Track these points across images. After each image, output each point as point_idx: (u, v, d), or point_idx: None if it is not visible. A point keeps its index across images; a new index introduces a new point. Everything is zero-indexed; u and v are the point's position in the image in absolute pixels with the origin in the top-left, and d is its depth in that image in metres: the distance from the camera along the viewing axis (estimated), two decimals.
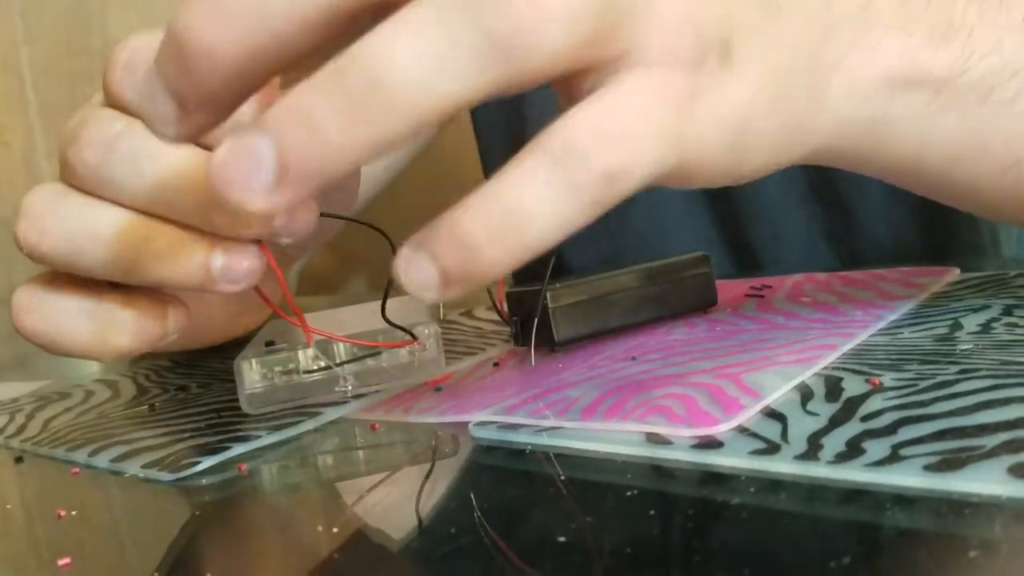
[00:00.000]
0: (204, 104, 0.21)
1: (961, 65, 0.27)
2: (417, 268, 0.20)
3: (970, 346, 0.29)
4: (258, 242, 0.26)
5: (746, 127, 0.24)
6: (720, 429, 0.24)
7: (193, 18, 0.19)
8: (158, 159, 0.25)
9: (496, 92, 0.19)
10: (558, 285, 0.36)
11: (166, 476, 0.29)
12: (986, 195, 0.31)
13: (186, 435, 0.32)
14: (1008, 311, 0.32)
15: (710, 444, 0.24)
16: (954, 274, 0.40)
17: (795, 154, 0.27)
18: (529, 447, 0.26)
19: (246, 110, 0.23)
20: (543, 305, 0.36)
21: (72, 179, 0.26)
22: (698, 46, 0.22)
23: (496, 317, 0.40)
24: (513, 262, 0.20)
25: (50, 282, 0.27)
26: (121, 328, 0.27)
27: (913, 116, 0.27)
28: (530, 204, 0.19)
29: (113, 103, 0.27)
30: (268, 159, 0.19)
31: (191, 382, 0.42)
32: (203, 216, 0.25)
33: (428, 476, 0.26)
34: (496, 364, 0.37)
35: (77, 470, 0.31)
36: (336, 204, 0.33)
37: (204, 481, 0.28)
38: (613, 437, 0.25)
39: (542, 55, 0.19)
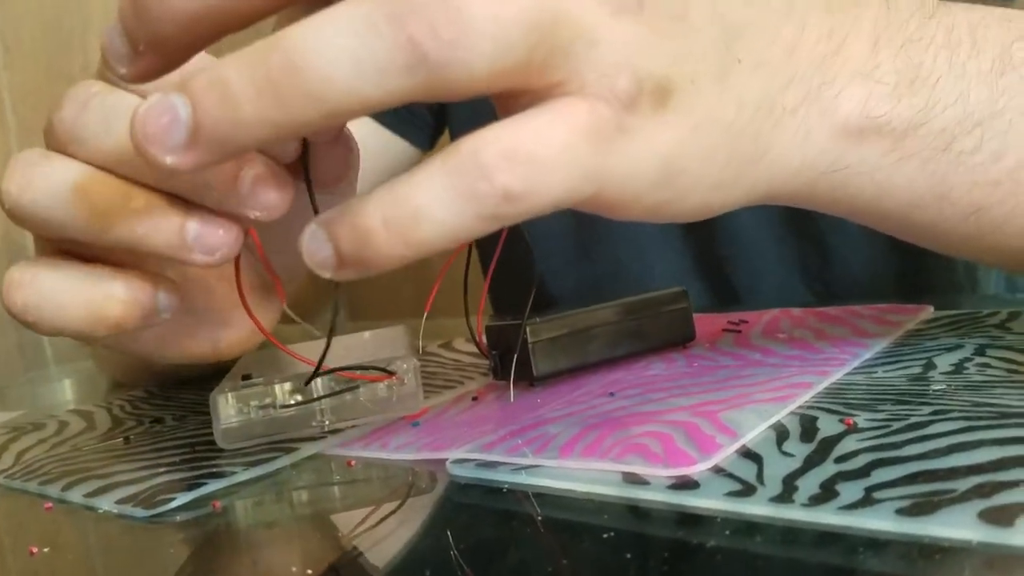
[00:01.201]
0: (153, 48, 0.22)
1: (923, 116, 0.27)
2: (317, 245, 0.22)
3: (943, 387, 0.29)
4: (248, 230, 0.26)
5: (675, 169, 0.24)
6: (697, 469, 0.24)
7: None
8: (126, 117, 0.26)
9: (415, 99, 0.20)
10: (538, 320, 0.36)
11: (140, 512, 0.28)
12: (947, 239, 0.31)
13: (161, 470, 0.32)
14: (981, 351, 0.33)
15: (687, 485, 0.24)
16: (928, 312, 0.40)
17: (740, 197, 0.27)
18: (507, 486, 0.26)
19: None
20: (523, 340, 0.36)
21: (53, 141, 0.26)
22: (633, 88, 0.22)
23: (475, 349, 0.40)
24: (404, 256, 0.21)
25: (41, 258, 0.27)
26: (113, 298, 0.27)
27: (871, 166, 0.28)
28: (426, 204, 0.21)
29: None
30: (183, 119, 0.20)
31: (166, 414, 0.42)
32: (168, 180, 0.25)
33: (404, 514, 0.26)
34: (475, 398, 0.37)
35: (50, 505, 0.31)
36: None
37: (179, 518, 0.28)
38: (591, 476, 0.25)
39: (462, 75, 0.20)
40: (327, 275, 0.22)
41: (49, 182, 0.26)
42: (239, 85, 0.20)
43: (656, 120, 0.23)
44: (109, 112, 0.26)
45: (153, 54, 0.22)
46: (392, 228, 0.21)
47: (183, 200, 0.26)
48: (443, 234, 0.21)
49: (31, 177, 0.26)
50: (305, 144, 0.27)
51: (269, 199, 0.26)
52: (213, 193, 0.25)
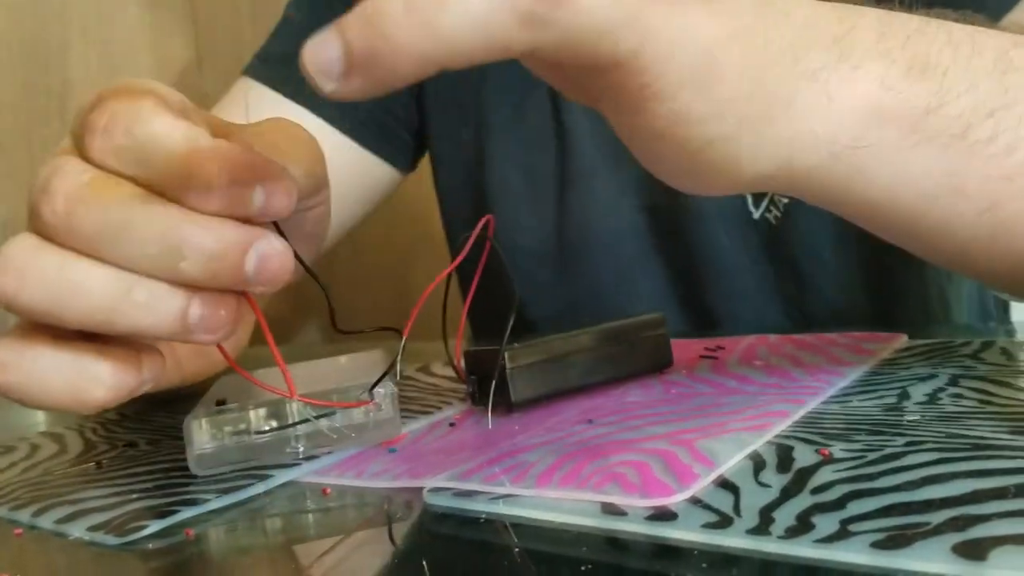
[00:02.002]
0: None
1: (939, 99, 0.27)
2: (323, 45, 0.21)
3: (917, 417, 0.29)
4: (241, 293, 0.26)
5: (711, 65, 0.24)
6: (674, 500, 0.24)
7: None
8: (127, 207, 0.25)
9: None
10: (516, 345, 0.36)
11: (112, 540, 0.28)
12: (959, 239, 0.30)
13: (133, 496, 0.32)
14: (954, 381, 0.33)
15: (664, 516, 0.24)
16: (902, 340, 0.41)
17: (764, 159, 0.27)
18: (484, 515, 0.26)
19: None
20: (501, 365, 0.36)
21: (43, 229, 0.26)
22: None
23: (454, 373, 0.40)
24: (424, 53, 0.21)
25: (23, 336, 0.27)
26: (98, 381, 0.26)
27: (890, 149, 0.27)
28: None
29: (85, 159, 0.26)
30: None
31: (140, 438, 0.41)
32: (175, 268, 0.25)
33: (379, 544, 0.26)
34: (452, 424, 0.36)
35: (20, 531, 0.30)
36: (304, 248, 0.33)
37: (151, 546, 0.28)
38: (569, 506, 0.25)
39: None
40: (330, 86, 0.21)
41: (46, 279, 0.25)
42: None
43: (702, 6, 0.23)
44: (107, 203, 0.25)
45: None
46: (414, 10, 0.20)
47: (184, 285, 0.25)
48: (473, 26, 0.20)
49: (25, 275, 0.25)
50: None
51: (274, 276, 0.25)
52: (219, 280, 0.25)
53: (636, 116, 0.25)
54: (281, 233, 0.27)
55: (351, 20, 0.21)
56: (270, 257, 0.25)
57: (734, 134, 0.26)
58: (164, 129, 0.25)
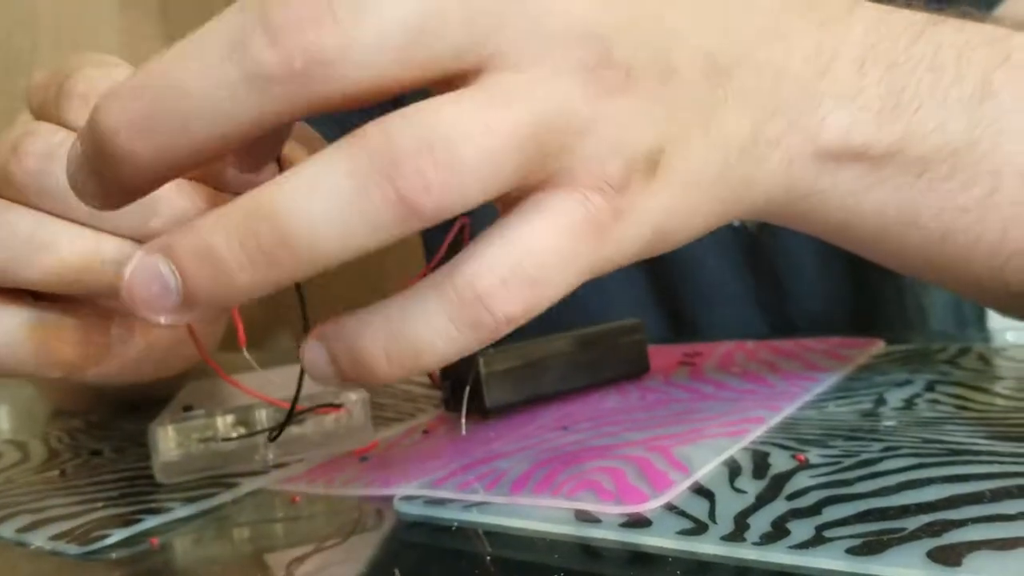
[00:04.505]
0: (122, 191, 0.21)
1: (902, 143, 0.27)
2: (318, 362, 0.21)
3: (893, 423, 0.29)
4: None
5: (667, 231, 0.24)
6: (649, 506, 0.24)
7: (113, 121, 0.19)
8: None
9: (407, 235, 0.20)
10: (491, 350, 0.36)
11: (74, 549, 0.27)
12: (914, 263, 0.31)
13: (97, 505, 0.31)
14: (930, 387, 0.33)
15: (639, 522, 0.23)
16: (879, 346, 0.41)
17: (723, 223, 0.27)
18: (456, 523, 0.26)
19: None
20: (475, 370, 0.35)
21: (10, 191, 0.25)
22: (625, 171, 0.22)
23: (427, 380, 0.39)
24: (405, 376, 0.21)
25: None
26: (64, 340, 0.26)
27: (845, 190, 0.27)
28: (429, 339, 0.20)
29: (57, 124, 0.26)
30: (173, 289, 0.20)
31: (105, 446, 0.40)
32: (145, 227, 0.25)
33: (350, 553, 0.25)
34: (426, 431, 0.36)
35: None
36: None
37: (114, 555, 0.27)
38: (542, 514, 0.25)
39: (455, 210, 0.19)
40: (332, 387, 0.23)
41: (14, 237, 0.25)
42: (229, 254, 0.19)
43: (647, 191, 0.23)
44: None
45: (123, 195, 0.21)
46: (395, 360, 0.21)
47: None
48: (444, 360, 0.21)
49: None
50: None
51: None
52: None
53: None
54: None
55: (343, 356, 0.21)
56: None
57: (691, 237, 0.26)
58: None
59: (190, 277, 0.19)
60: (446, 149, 0.19)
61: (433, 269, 0.35)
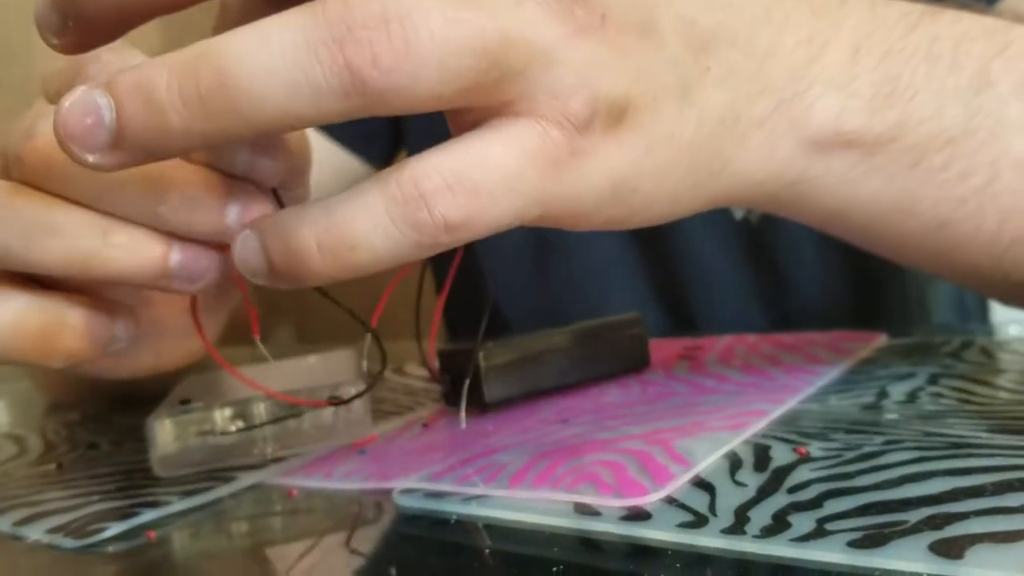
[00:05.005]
0: (81, 25, 0.21)
1: (896, 131, 0.27)
2: (249, 253, 0.21)
3: (896, 416, 0.29)
4: (224, 248, 0.25)
5: (627, 189, 0.24)
6: (649, 499, 0.24)
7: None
8: None
9: (351, 118, 0.20)
10: (491, 344, 0.36)
11: (71, 543, 0.27)
12: (910, 253, 0.31)
13: (94, 498, 0.31)
14: (933, 380, 0.33)
15: (638, 516, 0.23)
16: (881, 340, 0.40)
17: (699, 206, 0.27)
18: (455, 516, 0.26)
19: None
20: (475, 364, 0.35)
21: (23, 173, 0.25)
22: (589, 110, 0.22)
23: (427, 374, 0.39)
24: (336, 276, 0.21)
25: None
26: (68, 327, 0.26)
27: (837, 178, 0.27)
28: (363, 231, 0.20)
29: None
30: (106, 123, 0.20)
31: (102, 439, 0.40)
32: (153, 212, 0.25)
33: (348, 546, 0.25)
34: (425, 425, 0.36)
35: None
36: None
37: (111, 549, 0.27)
38: (542, 507, 0.25)
39: (402, 101, 0.19)
40: (259, 282, 0.22)
41: (22, 221, 0.24)
42: (166, 94, 0.19)
43: (609, 140, 0.22)
44: None
45: (82, 30, 0.21)
46: (327, 252, 0.20)
47: (164, 231, 0.25)
48: (379, 260, 0.21)
49: (1, 217, 0.25)
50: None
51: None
52: (198, 228, 0.24)
53: None
54: (279, 200, 0.26)
55: (275, 246, 0.21)
56: (250, 207, 0.24)
57: (661, 210, 0.25)
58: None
59: (124, 111, 0.19)
60: (401, 27, 0.19)
61: (433, 266, 0.35)
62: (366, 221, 0.20)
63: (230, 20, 0.24)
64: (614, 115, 0.22)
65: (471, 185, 0.20)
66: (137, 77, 0.19)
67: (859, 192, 0.28)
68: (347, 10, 0.19)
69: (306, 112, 0.19)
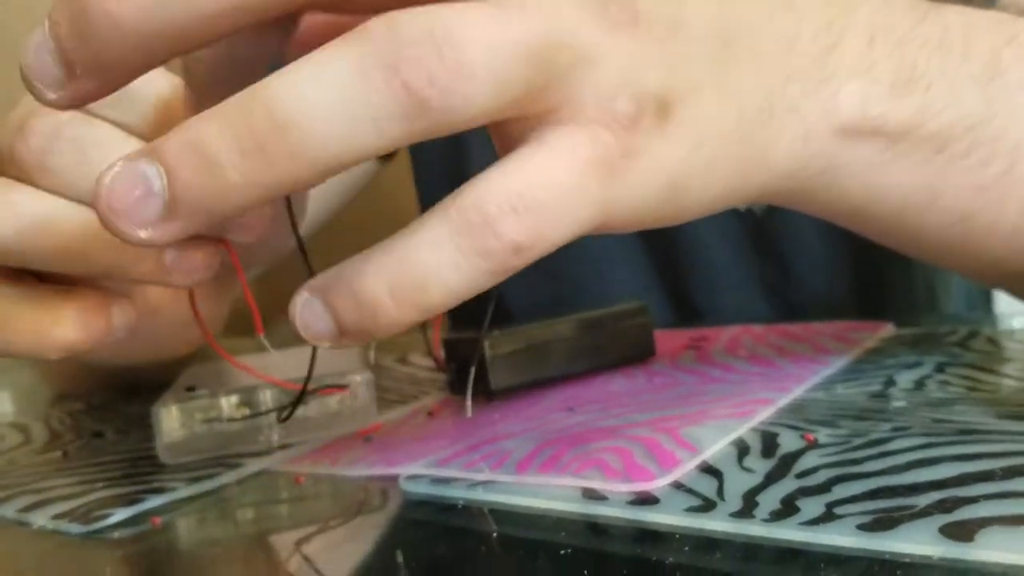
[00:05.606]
0: (94, 72, 0.20)
1: (919, 117, 0.27)
2: (313, 317, 0.20)
3: (903, 403, 0.29)
4: (221, 240, 0.25)
5: (679, 183, 0.23)
6: (656, 484, 0.24)
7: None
8: (104, 147, 0.25)
9: (411, 142, 0.19)
10: (496, 333, 0.36)
11: (76, 528, 0.27)
12: (931, 246, 0.30)
13: (99, 485, 0.31)
14: (940, 368, 0.33)
15: (646, 500, 0.23)
16: (888, 329, 0.40)
17: (737, 200, 0.26)
18: (462, 502, 0.26)
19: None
20: (480, 353, 0.35)
21: (16, 170, 0.25)
22: (635, 107, 0.21)
23: (431, 363, 0.39)
24: (412, 321, 0.20)
25: None
26: (63, 320, 0.25)
27: (864, 166, 0.27)
28: (436, 269, 0.19)
29: None
30: (157, 192, 0.18)
31: (107, 427, 0.40)
32: None
33: (355, 532, 0.25)
34: (430, 413, 0.36)
35: None
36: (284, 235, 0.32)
37: (116, 534, 0.27)
38: (548, 492, 0.25)
39: (463, 116, 0.19)
40: (326, 345, 0.21)
41: (17, 216, 0.24)
42: (221, 148, 0.18)
43: (660, 136, 0.22)
44: (85, 143, 0.25)
45: (93, 78, 0.20)
46: (400, 298, 0.19)
47: None
48: (454, 295, 0.20)
49: None
50: None
51: (252, 222, 0.25)
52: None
53: None
54: (287, 200, 0.26)
55: (343, 303, 0.20)
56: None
57: (705, 208, 0.25)
58: (147, 75, 0.24)
59: (177, 176, 0.18)
60: (451, 44, 0.18)
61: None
62: (434, 257, 0.19)
63: (196, 83, 0.23)
64: (661, 111, 0.22)
65: (535, 204, 0.20)
66: (186, 136, 0.18)
67: (884, 181, 0.27)
68: (393, 31, 0.18)
69: (370, 143, 0.18)
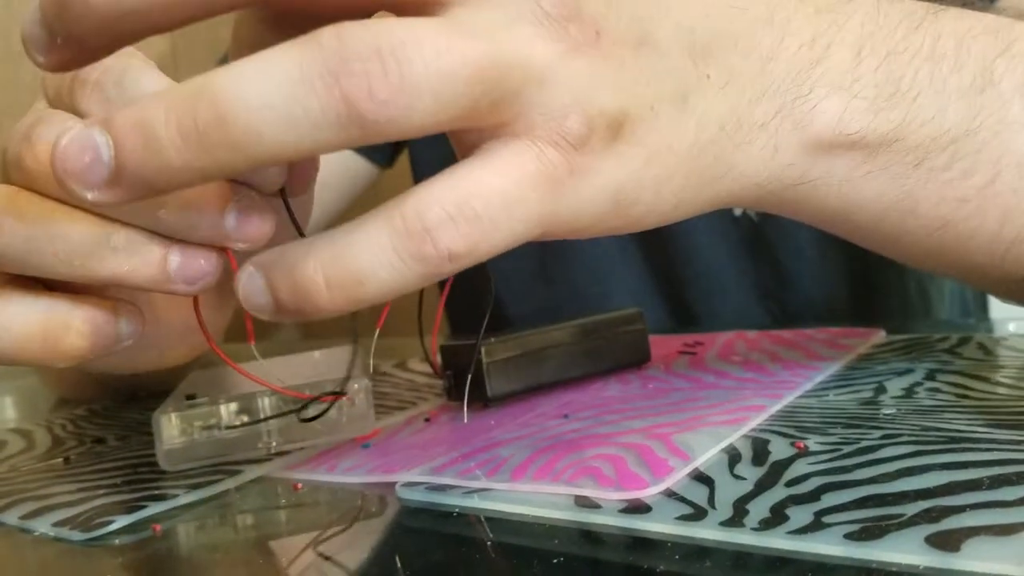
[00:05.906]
0: (71, 43, 0.21)
1: (899, 132, 0.27)
2: (254, 290, 0.21)
3: (893, 411, 0.29)
4: (223, 249, 0.26)
5: (627, 197, 0.24)
6: (649, 492, 0.24)
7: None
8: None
9: (348, 147, 0.20)
10: (493, 340, 0.36)
11: (77, 535, 0.27)
12: (911, 252, 0.31)
13: (101, 492, 0.31)
14: (931, 376, 0.33)
15: (638, 508, 0.23)
16: (880, 336, 0.41)
17: (700, 209, 0.27)
18: (457, 510, 0.26)
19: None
20: (477, 360, 0.35)
21: (22, 178, 0.25)
22: (585, 127, 0.22)
23: (430, 369, 0.39)
24: (344, 309, 0.21)
25: None
26: (72, 328, 0.26)
27: (841, 177, 0.27)
28: (368, 266, 0.20)
29: (70, 111, 0.26)
30: (105, 160, 0.20)
31: (109, 434, 0.41)
32: (153, 216, 0.25)
33: (352, 539, 0.26)
34: (427, 420, 0.36)
35: None
36: (287, 234, 0.33)
37: (117, 541, 0.27)
38: (543, 500, 0.25)
39: (398, 128, 0.19)
40: (264, 318, 0.22)
41: (23, 225, 0.25)
42: (164, 130, 0.19)
43: (607, 155, 0.23)
44: None
45: (71, 48, 0.21)
46: (334, 287, 0.20)
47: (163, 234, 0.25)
48: (386, 292, 0.21)
49: (2, 222, 0.25)
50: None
51: (254, 232, 0.25)
52: (198, 232, 0.25)
53: None
54: (287, 202, 0.26)
55: (281, 283, 0.21)
56: (250, 211, 0.25)
57: (662, 216, 0.26)
58: (153, 84, 0.25)
59: (123, 149, 0.19)
60: (396, 60, 0.19)
61: (448, 294, 0.35)
62: (372, 255, 0.20)
63: (244, 48, 0.24)
64: (611, 130, 0.22)
65: (472, 214, 0.20)
66: (135, 114, 0.20)
67: (862, 192, 0.28)
68: (341, 43, 0.19)
69: (303, 144, 0.19)
